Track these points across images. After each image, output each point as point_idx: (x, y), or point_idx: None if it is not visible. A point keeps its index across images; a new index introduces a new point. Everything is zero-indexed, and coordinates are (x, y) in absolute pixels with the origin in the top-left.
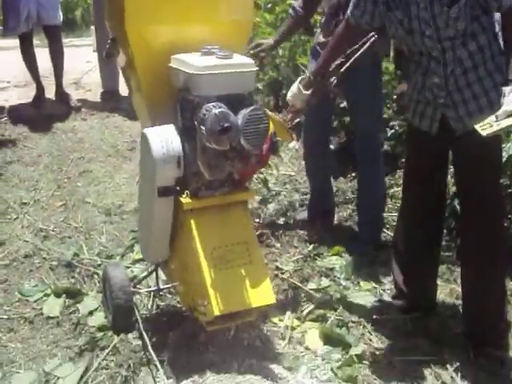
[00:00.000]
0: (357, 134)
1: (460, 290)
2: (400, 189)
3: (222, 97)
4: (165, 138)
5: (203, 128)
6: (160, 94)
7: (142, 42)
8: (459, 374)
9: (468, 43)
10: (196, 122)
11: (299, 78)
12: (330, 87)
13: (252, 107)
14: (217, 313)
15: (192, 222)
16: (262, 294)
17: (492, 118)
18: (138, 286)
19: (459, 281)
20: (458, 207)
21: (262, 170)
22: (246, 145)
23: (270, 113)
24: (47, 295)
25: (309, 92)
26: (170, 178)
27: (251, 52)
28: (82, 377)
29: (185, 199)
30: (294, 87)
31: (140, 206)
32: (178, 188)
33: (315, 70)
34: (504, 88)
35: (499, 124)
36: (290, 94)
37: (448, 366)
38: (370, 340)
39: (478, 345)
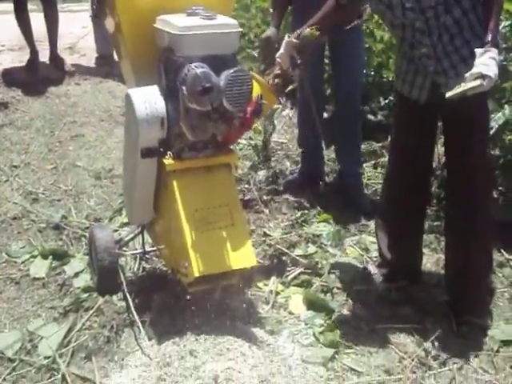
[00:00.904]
0: (338, 96)
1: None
2: None
3: (206, 58)
4: (148, 99)
5: (184, 88)
6: (145, 56)
7: (128, 3)
8: (441, 342)
9: (452, 9)
10: (178, 83)
11: (286, 35)
12: (318, 37)
13: (235, 68)
14: (197, 274)
15: (174, 183)
16: (243, 257)
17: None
18: (124, 249)
19: (444, 251)
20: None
21: (253, 136)
22: (228, 106)
23: (255, 75)
24: (34, 257)
25: (297, 40)
26: (153, 139)
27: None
28: (65, 337)
29: (168, 160)
30: (282, 46)
31: (124, 168)
32: (161, 149)
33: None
34: (476, 50)
35: (464, 86)
36: (277, 54)
37: (430, 333)
38: (354, 307)
39: (459, 313)
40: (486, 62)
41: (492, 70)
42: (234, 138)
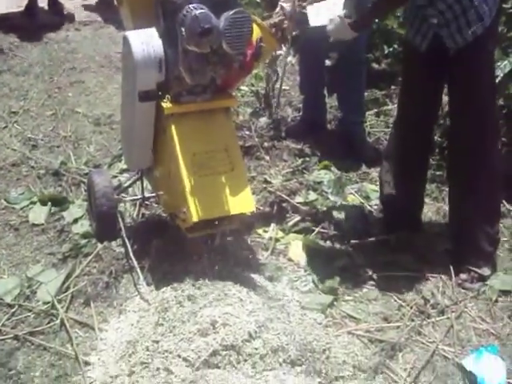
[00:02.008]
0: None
1: (447, 208)
2: (393, 106)
3: None
4: (146, 41)
5: (183, 30)
6: None
7: None
8: (440, 290)
9: None
10: (177, 25)
11: None
12: None
13: (235, 10)
14: (195, 219)
15: (173, 127)
16: (241, 202)
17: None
18: (123, 195)
19: (447, 200)
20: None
21: (255, 82)
22: (227, 49)
23: (255, 18)
24: (33, 203)
25: None
26: (151, 82)
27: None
28: (64, 282)
29: (166, 104)
30: None
31: (122, 112)
32: (159, 93)
33: None
34: None
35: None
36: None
37: (429, 282)
38: (353, 254)
39: (460, 262)
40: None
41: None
42: (234, 82)
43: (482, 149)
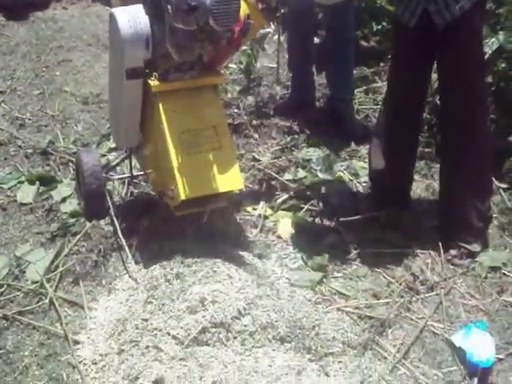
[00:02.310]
0: (330, 20)
1: (437, 185)
2: (382, 84)
3: None
4: (133, 18)
5: (169, 7)
6: None
7: None
8: (429, 267)
9: None
10: (163, 1)
11: None
12: None
13: None
14: (183, 197)
15: (160, 105)
16: (229, 180)
17: None
18: (111, 173)
19: (436, 177)
20: (438, 102)
21: (244, 60)
22: (214, 25)
23: None
24: (21, 182)
25: None
26: (138, 60)
27: None
28: (52, 261)
29: (153, 82)
30: None
31: (110, 90)
32: (146, 70)
33: None
34: None
35: None
36: None
37: (418, 258)
38: (342, 231)
39: (450, 239)
40: None
41: None
42: (221, 59)
43: (471, 125)
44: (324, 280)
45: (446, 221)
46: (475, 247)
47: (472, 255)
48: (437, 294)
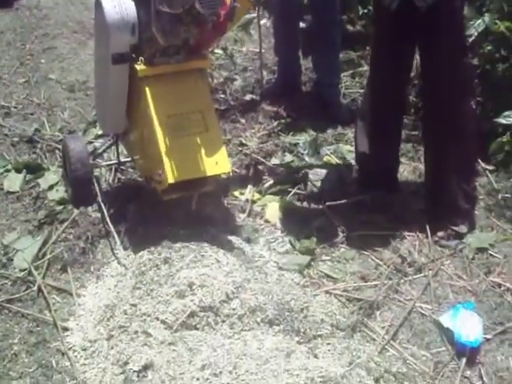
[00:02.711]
0: (315, 4)
1: (423, 168)
2: (368, 67)
3: None
4: (118, 3)
5: None
6: None
7: None
8: (416, 248)
9: None
10: None
11: None
12: None
13: None
14: (171, 180)
15: (147, 89)
16: (217, 163)
17: None
18: (98, 160)
19: (423, 159)
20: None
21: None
22: (200, 9)
23: None
24: (8, 171)
25: None
26: (124, 45)
27: None
28: (40, 249)
29: (139, 66)
30: None
31: (96, 76)
32: (132, 55)
33: None
34: None
35: None
36: None
37: (406, 241)
38: (330, 214)
39: (437, 220)
40: None
41: None
42: (207, 43)
43: (455, 107)
44: (312, 263)
45: (433, 203)
46: (462, 228)
47: (459, 236)
48: (425, 276)
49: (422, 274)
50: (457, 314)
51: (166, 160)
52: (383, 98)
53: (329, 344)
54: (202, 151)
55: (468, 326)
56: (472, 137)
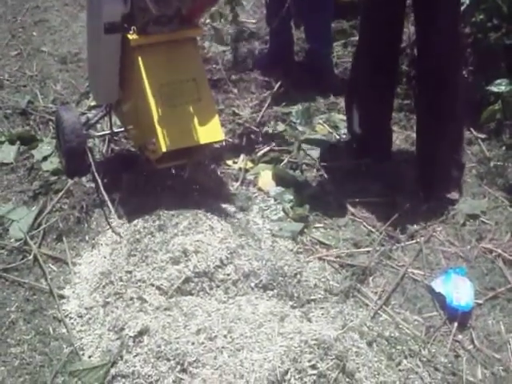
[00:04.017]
0: None
1: (415, 136)
2: None
3: None
4: None
5: None
6: None
7: None
8: (409, 215)
9: None
10: None
11: None
12: None
13: None
14: (164, 149)
15: (139, 58)
16: (210, 131)
17: None
18: (91, 131)
19: (415, 128)
20: (416, 54)
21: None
22: None
23: None
24: (1, 142)
25: None
26: (116, 14)
27: None
28: (35, 219)
29: (132, 36)
30: None
31: (88, 47)
32: (124, 25)
33: None
34: None
35: None
36: None
37: (398, 208)
38: (323, 182)
39: (428, 188)
40: None
41: None
42: (199, 12)
43: (447, 77)
44: (305, 230)
45: (424, 171)
46: (454, 195)
47: (451, 203)
48: (417, 242)
49: (414, 241)
50: (449, 279)
51: (159, 129)
52: (373, 67)
53: (322, 308)
54: (195, 120)
55: (460, 290)
56: (460, 104)
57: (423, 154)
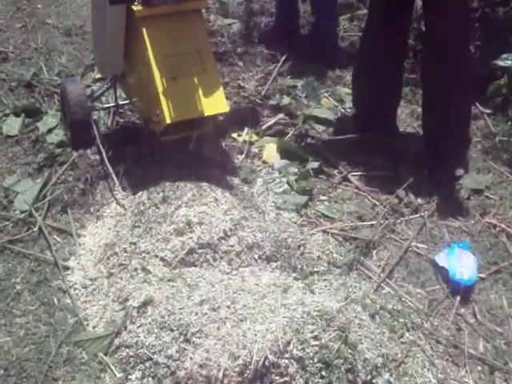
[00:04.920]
0: None
1: (420, 110)
2: (366, 11)
3: None
4: None
5: None
6: None
7: None
8: (413, 189)
9: None
10: None
11: None
12: None
13: None
14: (169, 121)
15: (144, 30)
16: (214, 103)
17: None
18: (96, 103)
19: (421, 102)
20: (423, 29)
21: None
22: None
23: None
24: (6, 115)
25: None
26: None
27: None
28: (40, 191)
29: (136, 7)
30: None
31: (93, 18)
32: None
33: None
34: None
35: None
36: None
37: (403, 182)
38: (327, 155)
39: (434, 162)
40: None
41: None
42: None
43: (454, 49)
44: (309, 203)
45: (430, 145)
46: (459, 172)
47: (456, 178)
48: (421, 216)
49: (418, 215)
50: (452, 252)
51: (163, 100)
52: (385, 39)
53: (325, 280)
54: (200, 91)
55: (463, 264)
56: (470, 80)
57: (429, 128)
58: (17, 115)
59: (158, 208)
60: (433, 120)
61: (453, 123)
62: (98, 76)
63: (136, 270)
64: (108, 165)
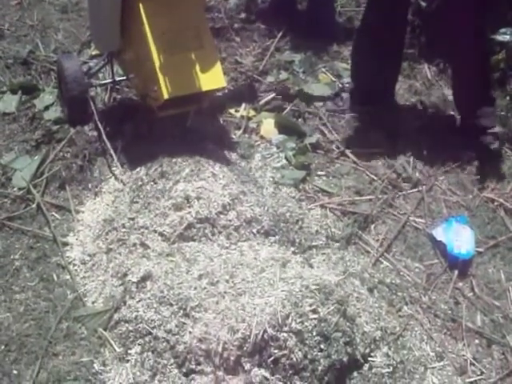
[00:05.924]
0: None
1: (419, 85)
2: None
3: None
4: None
5: None
6: None
7: None
8: (411, 165)
9: None
10: None
11: None
12: None
13: None
14: (166, 96)
15: (141, 5)
16: (212, 78)
17: None
18: (93, 80)
19: (419, 77)
20: (422, 4)
21: None
22: None
23: None
24: (3, 92)
25: None
26: None
27: None
28: (38, 168)
29: None
30: None
31: None
32: None
33: None
34: None
35: None
36: None
37: (401, 157)
38: (325, 131)
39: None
40: None
41: None
42: None
43: (471, 23)
44: (307, 178)
45: (466, 111)
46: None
47: (498, 137)
48: (419, 191)
49: (416, 189)
50: (450, 227)
51: (161, 76)
52: (385, 14)
53: (323, 254)
54: (197, 67)
55: (460, 238)
56: (485, 47)
57: (462, 97)
58: (13, 92)
59: (156, 183)
60: (460, 85)
61: (479, 86)
62: (95, 52)
63: (135, 245)
64: (106, 141)
